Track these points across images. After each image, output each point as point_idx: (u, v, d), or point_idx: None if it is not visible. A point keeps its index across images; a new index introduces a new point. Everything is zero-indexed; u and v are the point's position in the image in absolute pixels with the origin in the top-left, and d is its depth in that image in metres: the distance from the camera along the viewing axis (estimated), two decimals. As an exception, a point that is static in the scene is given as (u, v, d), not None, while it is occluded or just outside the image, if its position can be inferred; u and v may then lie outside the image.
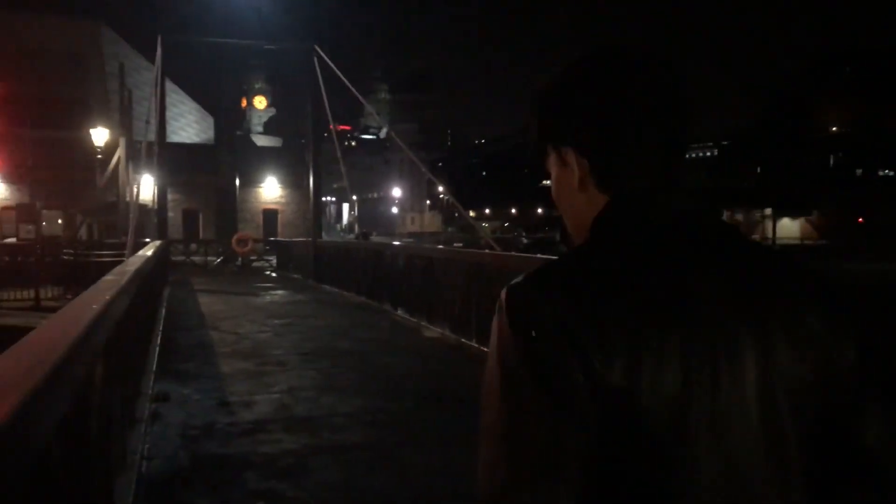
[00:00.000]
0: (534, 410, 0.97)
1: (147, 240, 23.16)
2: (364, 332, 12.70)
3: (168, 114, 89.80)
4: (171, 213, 53.20)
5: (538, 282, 1.04)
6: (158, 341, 11.30)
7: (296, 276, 26.77)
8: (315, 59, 22.02)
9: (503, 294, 1.06)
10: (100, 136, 24.32)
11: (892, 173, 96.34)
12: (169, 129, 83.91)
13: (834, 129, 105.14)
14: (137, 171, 47.39)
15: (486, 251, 12.10)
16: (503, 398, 1.02)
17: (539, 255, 11.95)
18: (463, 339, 11.20)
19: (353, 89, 17.80)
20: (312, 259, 23.18)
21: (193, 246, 35.50)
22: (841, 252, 56.81)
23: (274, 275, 29.52)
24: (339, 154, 22.82)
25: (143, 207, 49.73)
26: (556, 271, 1.06)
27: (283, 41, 22.95)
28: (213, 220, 46.57)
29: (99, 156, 24.73)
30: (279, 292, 20.41)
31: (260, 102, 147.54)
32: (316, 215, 23.70)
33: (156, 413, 7.36)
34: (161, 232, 22.34)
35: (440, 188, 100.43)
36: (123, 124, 27.95)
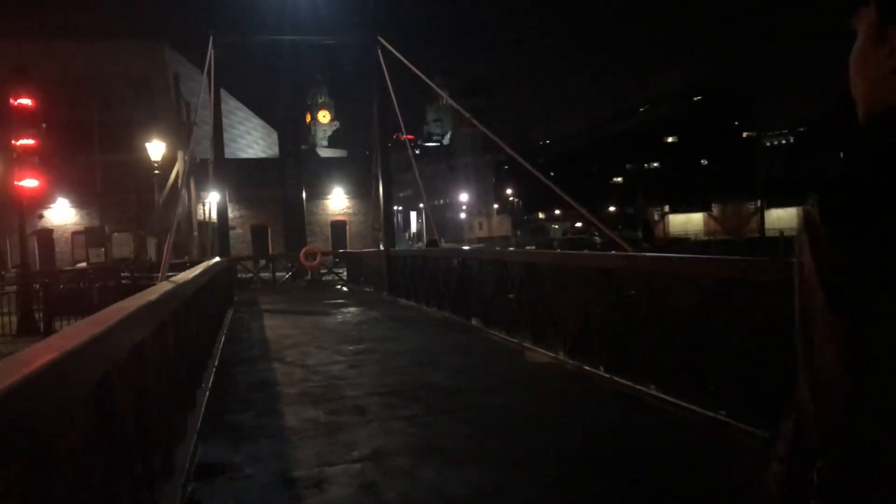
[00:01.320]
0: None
1: (211, 259, 21.43)
2: (457, 359, 10.34)
3: (234, 131, 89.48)
4: (239, 230, 52.48)
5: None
6: (212, 380, 9.16)
7: (368, 289, 24.66)
8: (379, 52, 19.90)
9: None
10: (156, 150, 22.68)
11: None
12: (235, 146, 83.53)
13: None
14: (202, 187, 46.42)
15: (613, 252, 9.63)
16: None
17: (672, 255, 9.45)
18: (586, 367, 8.78)
19: (421, 74, 15.61)
20: (385, 270, 21.02)
21: (262, 262, 33.72)
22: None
23: (345, 289, 27.49)
24: (410, 156, 20.63)
25: (211, 225, 48.85)
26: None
27: (344, 35, 20.88)
28: (282, 234, 44.88)
29: (156, 171, 23.09)
30: (351, 309, 18.26)
31: (324, 117, 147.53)
32: (387, 222, 21.53)
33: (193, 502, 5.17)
34: (223, 249, 20.47)
35: (509, 191, 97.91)
36: (182, 139, 26.36)
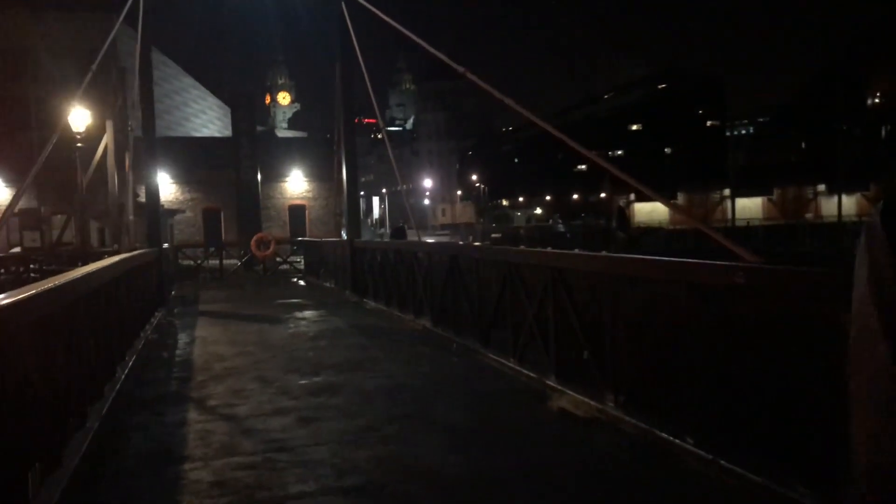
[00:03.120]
0: None
1: (135, 249, 17.83)
2: (458, 409, 7.03)
3: (188, 110, 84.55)
4: (189, 214, 48.38)
5: None
6: (84, 448, 5.75)
7: (328, 284, 21.22)
8: (343, 6, 16.41)
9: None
10: (79, 119, 18.93)
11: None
12: (189, 125, 78.77)
13: (879, 100, 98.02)
14: (140, 165, 42.34)
15: (662, 259, 6.23)
16: None
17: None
18: (660, 432, 5.56)
19: (396, 24, 12.28)
20: (350, 264, 17.61)
21: (211, 250, 30.03)
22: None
23: (302, 283, 23.99)
24: (382, 133, 17.20)
25: (159, 208, 44.79)
26: None
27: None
28: (236, 218, 41.07)
29: (79, 144, 19.34)
30: (307, 314, 14.82)
31: (284, 98, 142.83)
32: (352, 208, 18.07)
33: None
34: (153, 237, 16.86)
35: (474, 177, 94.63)
36: (111, 106, 22.65)
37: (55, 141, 22.05)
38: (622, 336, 6.42)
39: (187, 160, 47.65)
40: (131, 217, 23.17)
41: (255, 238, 26.92)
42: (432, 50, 11.26)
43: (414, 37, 11.92)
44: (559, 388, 7.30)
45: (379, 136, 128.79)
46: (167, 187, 47.65)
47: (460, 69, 10.33)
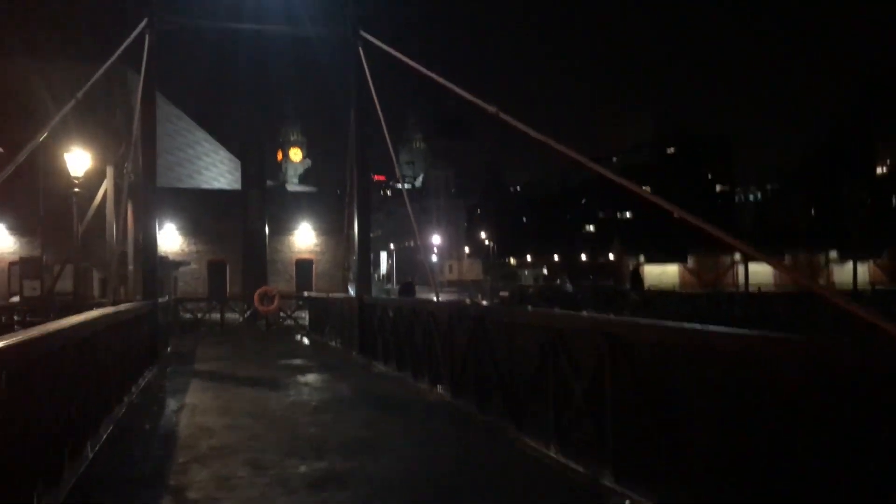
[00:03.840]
0: None
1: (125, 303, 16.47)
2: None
3: (200, 163, 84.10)
4: (195, 265, 47.11)
5: None
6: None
7: (334, 343, 19.78)
8: (360, 49, 15.35)
9: None
10: (77, 162, 17.78)
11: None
12: (201, 178, 78.13)
13: (888, 168, 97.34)
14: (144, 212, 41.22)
15: (785, 337, 4.81)
16: None
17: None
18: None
19: (408, 60, 11.20)
20: (357, 322, 16.22)
21: (213, 303, 28.62)
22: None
23: (306, 341, 22.53)
24: (401, 182, 16.04)
25: (163, 260, 43.53)
26: None
27: (317, 27, 16.26)
28: (241, 271, 39.81)
29: (76, 189, 18.14)
30: (311, 378, 13.33)
31: (296, 154, 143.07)
32: (362, 262, 16.74)
33: None
34: (147, 289, 15.50)
35: (482, 234, 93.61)
36: (112, 151, 21.40)
37: (62, 188, 20.87)
38: (714, 428, 5.00)
39: (195, 211, 46.64)
40: (131, 267, 21.90)
41: (258, 292, 25.55)
42: (459, 90, 10.06)
43: (437, 77, 10.74)
44: (619, 489, 5.84)
45: (388, 193, 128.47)
46: (173, 238, 46.59)
47: (491, 109, 9.10)
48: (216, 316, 26.98)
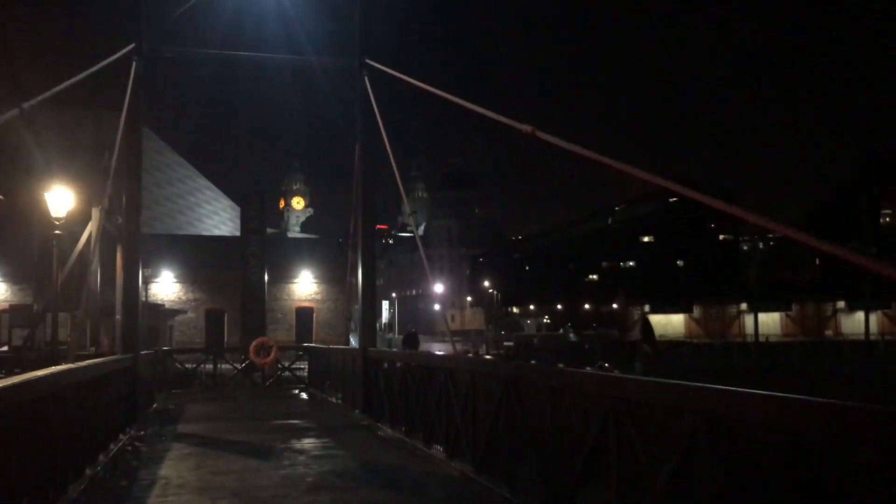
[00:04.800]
0: None
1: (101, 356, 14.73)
2: None
3: (202, 210, 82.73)
4: (192, 314, 45.33)
5: None
6: None
7: (334, 399, 17.99)
8: (366, 79, 13.94)
9: None
10: (59, 202, 16.24)
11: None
12: (202, 226, 76.69)
13: (893, 218, 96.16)
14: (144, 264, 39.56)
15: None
16: None
17: None
18: None
19: (416, 82, 9.86)
20: (361, 378, 14.48)
21: (209, 356, 26.72)
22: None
23: (304, 396, 20.75)
24: (412, 224, 14.56)
25: (159, 308, 41.83)
26: None
27: (321, 56, 14.88)
28: (240, 320, 38.08)
29: (57, 232, 16.56)
30: (308, 445, 11.52)
31: (298, 203, 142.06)
32: (367, 310, 15.05)
33: None
34: (128, 342, 13.77)
35: (485, 283, 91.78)
36: (98, 193, 19.62)
37: (57, 236, 19.39)
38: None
39: (193, 259, 45.15)
40: (118, 316, 20.19)
41: (254, 343, 23.79)
42: (490, 113, 8.54)
43: (462, 101, 9.23)
44: None
45: (391, 242, 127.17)
46: (170, 286, 44.98)
47: (527, 128, 7.57)
48: (209, 366, 25.22)
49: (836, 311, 77.10)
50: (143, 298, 37.60)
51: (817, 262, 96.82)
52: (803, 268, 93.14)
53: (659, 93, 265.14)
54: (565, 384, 6.53)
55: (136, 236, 14.30)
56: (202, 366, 24.99)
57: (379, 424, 12.99)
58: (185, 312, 43.86)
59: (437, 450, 9.79)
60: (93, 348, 19.26)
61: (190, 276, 45.40)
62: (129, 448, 11.32)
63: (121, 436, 11.84)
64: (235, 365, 25.17)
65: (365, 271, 14.97)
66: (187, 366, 24.84)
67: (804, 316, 76.77)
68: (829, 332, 74.40)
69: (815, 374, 32.53)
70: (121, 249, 18.33)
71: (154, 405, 17.39)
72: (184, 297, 45.18)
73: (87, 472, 8.84)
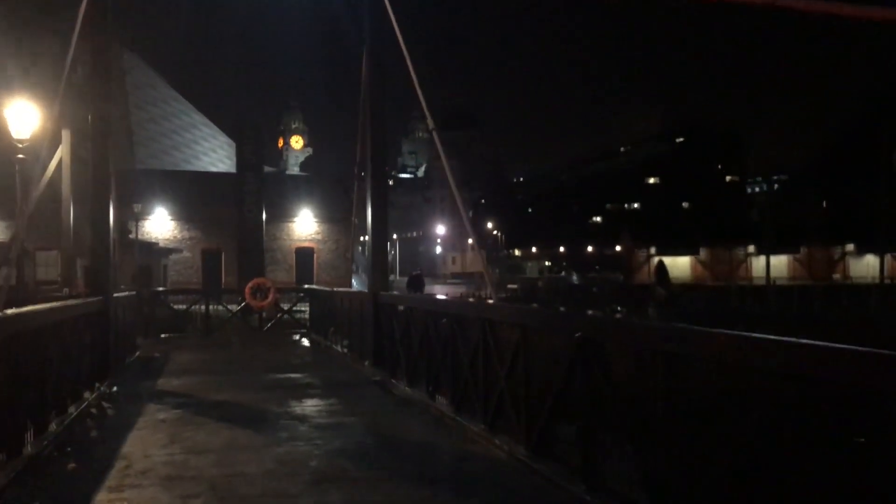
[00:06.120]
0: None
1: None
2: None
3: (199, 147, 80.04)
4: (188, 254, 43.11)
5: None
6: None
7: (339, 348, 15.92)
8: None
9: None
10: (21, 119, 13.83)
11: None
12: (199, 163, 73.93)
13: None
14: (135, 200, 37.27)
15: None
16: None
17: None
18: None
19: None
20: (371, 326, 12.37)
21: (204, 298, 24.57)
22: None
23: (306, 343, 18.72)
24: (436, 137, 12.28)
25: (152, 247, 39.64)
26: None
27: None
28: (237, 260, 35.88)
29: (20, 156, 14.22)
30: (311, 409, 9.41)
31: (297, 142, 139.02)
32: (377, 249, 12.87)
33: None
34: (97, 282, 11.57)
35: (489, 225, 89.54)
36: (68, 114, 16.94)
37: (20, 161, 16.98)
38: None
39: (188, 196, 42.83)
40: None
41: (250, 284, 21.69)
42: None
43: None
44: None
45: (390, 183, 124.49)
46: (164, 224, 42.74)
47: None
48: (213, 308, 23.15)
49: (844, 255, 75.02)
50: (134, 235, 35.49)
51: (824, 204, 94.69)
52: (810, 210, 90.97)
53: (669, 27, 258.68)
54: (696, 348, 4.34)
55: (104, 162, 11.97)
56: (197, 307, 22.90)
57: (393, 381, 10.90)
58: (181, 251, 41.74)
59: (476, 421, 7.70)
60: (66, 289, 17.12)
61: (185, 214, 43.17)
62: (94, 410, 9.26)
63: (86, 394, 9.76)
64: (231, 307, 23.13)
65: (375, 203, 12.71)
66: (180, 307, 22.79)
67: (812, 259, 74.76)
68: (837, 276, 72.51)
69: (844, 319, 30.58)
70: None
71: (137, 353, 15.33)
72: (179, 236, 43.02)
73: (28, 449, 6.77)
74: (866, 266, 73.52)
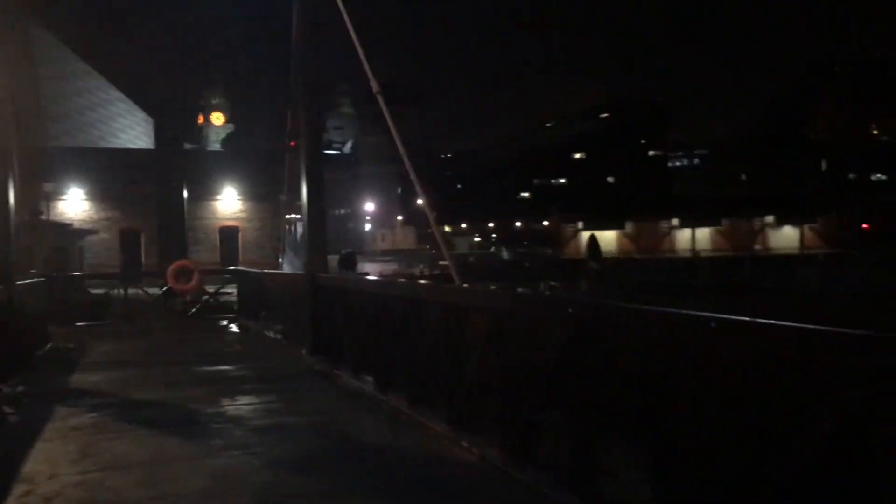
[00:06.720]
0: None
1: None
2: None
3: (115, 124, 76.62)
4: (104, 234, 40.79)
5: None
6: None
7: (273, 335, 14.82)
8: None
9: None
10: None
11: (884, 177, 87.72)
12: (117, 141, 70.72)
13: (819, 135, 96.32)
14: (46, 178, 34.96)
15: None
16: None
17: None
18: None
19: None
20: (310, 310, 11.34)
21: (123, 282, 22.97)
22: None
23: (235, 329, 17.50)
24: (379, 98, 11.27)
25: (66, 228, 37.28)
26: None
27: None
28: (158, 240, 34.02)
29: None
30: (246, 409, 8.34)
31: (218, 119, 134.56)
32: (315, 230, 11.80)
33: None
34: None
35: (419, 201, 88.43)
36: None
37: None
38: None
39: (104, 175, 40.55)
40: None
41: (173, 267, 20.28)
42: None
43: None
44: None
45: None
46: (79, 204, 40.40)
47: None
48: (134, 291, 21.64)
49: (764, 226, 77.03)
50: (46, 216, 33.20)
51: (743, 177, 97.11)
52: (731, 184, 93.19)
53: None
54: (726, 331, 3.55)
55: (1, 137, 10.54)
56: (117, 291, 21.36)
57: (337, 371, 9.94)
58: (97, 232, 39.47)
59: (434, 417, 6.83)
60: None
61: (101, 194, 40.92)
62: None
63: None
64: (152, 292, 21.67)
65: (311, 175, 11.62)
66: (97, 293, 21.23)
67: (734, 231, 76.53)
68: (757, 247, 74.42)
69: (779, 288, 30.94)
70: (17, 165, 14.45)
71: (48, 345, 13.91)
72: (95, 216, 40.75)
73: None
74: (784, 237, 75.71)
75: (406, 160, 10.64)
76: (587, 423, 4.76)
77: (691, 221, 73.08)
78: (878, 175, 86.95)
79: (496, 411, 5.78)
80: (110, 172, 40.97)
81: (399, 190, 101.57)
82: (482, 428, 6.04)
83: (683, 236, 76.66)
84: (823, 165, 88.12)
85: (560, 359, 4.93)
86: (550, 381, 5.08)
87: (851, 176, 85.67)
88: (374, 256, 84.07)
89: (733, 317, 3.55)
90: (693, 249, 58.65)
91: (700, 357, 3.82)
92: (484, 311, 6.05)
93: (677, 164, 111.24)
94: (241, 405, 8.41)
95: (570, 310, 4.82)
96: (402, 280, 11.91)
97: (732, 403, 3.59)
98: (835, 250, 62.95)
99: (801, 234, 58.69)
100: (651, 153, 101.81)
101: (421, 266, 62.10)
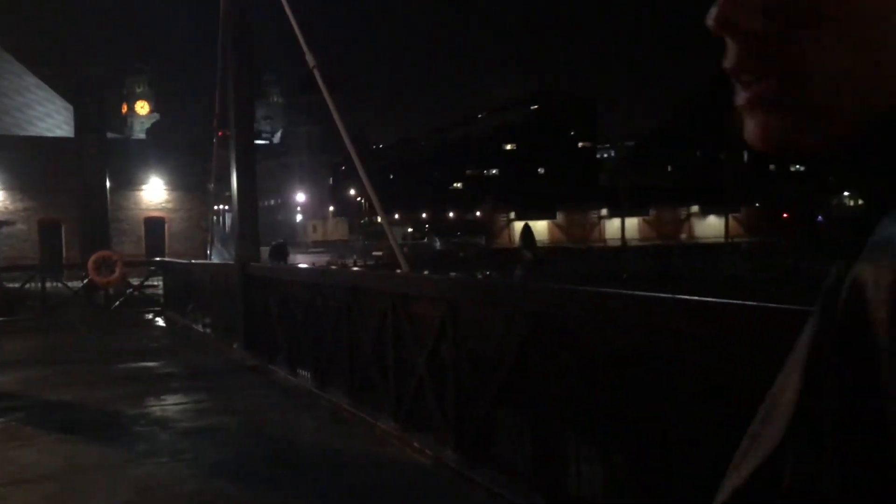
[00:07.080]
0: None
1: None
2: None
3: (32, 112, 73.35)
4: (22, 226, 38.90)
5: None
6: None
7: (201, 328, 14.04)
8: None
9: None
10: None
11: (802, 168, 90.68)
12: (34, 129, 67.66)
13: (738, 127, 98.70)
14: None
15: None
16: None
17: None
18: None
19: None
20: (242, 303, 10.66)
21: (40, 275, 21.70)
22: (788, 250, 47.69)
23: (161, 323, 16.61)
24: (317, 77, 10.63)
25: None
26: None
27: None
28: (79, 232, 32.50)
29: None
30: (174, 408, 7.67)
31: (142, 108, 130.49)
32: (246, 219, 11.11)
33: None
34: None
35: (351, 192, 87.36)
36: None
37: None
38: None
39: (20, 163, 38.43)
40: None
41: (94, 258, 19.17)
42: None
43: None
44: None
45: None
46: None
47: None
48: (54, 285, 20.44)
49: (689, 216, 78.79)
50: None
51: (669, 168, 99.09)
52: (657, 174, 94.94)
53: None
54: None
55: None
56: (34, 284, 20.13)
57: (272, 367, 9.33)
58: (13, 224, 37.48)
59: (379, 415, 6.34)
60: None
61: (18, 183, 38.85)
62: None
63: None
64: (73, 284, 20.49)
65: (241, 162, 10.93)
66: (13, 286, 19.98)
67: (660, 220, 78.05)
68: (683, 236, 76.08)
69: (708, 276, 31.47)
70: None
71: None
72: (11, 207, 38.65)
73: None
74: (709, 226, 77.52)
75: (346, 140, 10.09)
76: (549, 417, 4.35)
77: (620, 211, 74.22)
78: (797, 167, 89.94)
79: (450, 408, 5.33)
80: (27, 161, 38.94)
81: (330, 180, 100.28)
82: (435, 428, 5.58)
83: (613, 226, 77.76)
84: (745, 157, 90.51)
85: (520, 350, 4.50)
86: (510, 375, 4.66)
87: (772, 167, 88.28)
88: (305, 248, 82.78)
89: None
90: (623, 238, 59.49)
91: (671, 342, 3.44)
92: (435, 301, 5.58)
93: (605, 155, 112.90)
94: (168, 405, 7.74)
95: (533, 296, 4.39)
96: (343, 270, 11.36)
97: (706, 392, 3.24)
98: (757, 238, 64.72)
99: (726, 223, 60.05)
100: (580, 144, 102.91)
101: (354, 257, 61.27)
